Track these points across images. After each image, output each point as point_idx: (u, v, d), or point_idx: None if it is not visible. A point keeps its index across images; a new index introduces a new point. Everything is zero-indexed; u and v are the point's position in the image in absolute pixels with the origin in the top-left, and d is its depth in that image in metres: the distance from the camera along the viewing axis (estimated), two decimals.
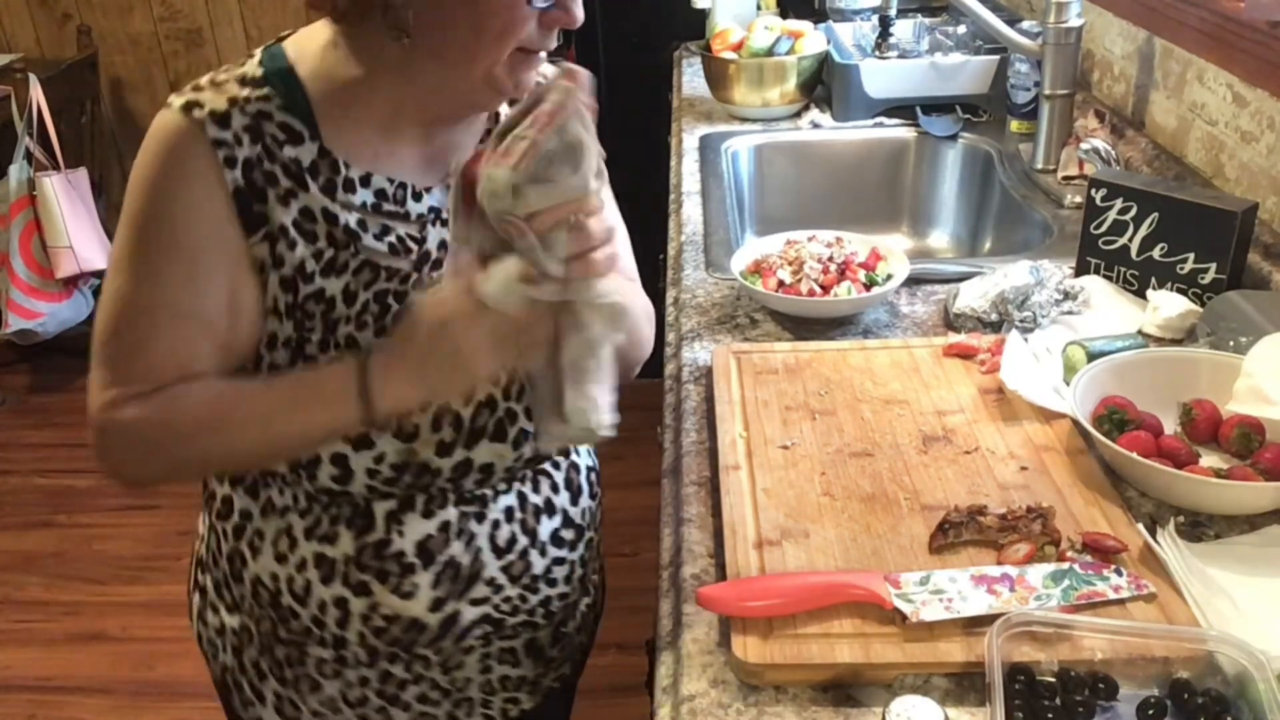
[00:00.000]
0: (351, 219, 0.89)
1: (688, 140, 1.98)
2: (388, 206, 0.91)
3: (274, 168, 0.86)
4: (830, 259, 1.31)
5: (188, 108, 0.84)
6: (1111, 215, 1.28)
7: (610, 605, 1.22)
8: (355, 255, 0.89)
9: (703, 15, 2.35)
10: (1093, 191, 1.28)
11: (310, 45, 0.90)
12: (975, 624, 0.80)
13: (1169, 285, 1.24)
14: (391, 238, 0.91)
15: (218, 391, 0.89)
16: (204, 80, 0.87)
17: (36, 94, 2.99)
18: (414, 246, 0.92)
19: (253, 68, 0.88)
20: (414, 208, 0.93)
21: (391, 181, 0.91)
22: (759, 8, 2.31)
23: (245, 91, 0.86)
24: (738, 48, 2.02)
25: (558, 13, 0.86)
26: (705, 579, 0.89)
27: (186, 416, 0.88)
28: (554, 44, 0.88)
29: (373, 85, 0.89)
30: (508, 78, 0.87)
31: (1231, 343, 1.09)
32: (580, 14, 0.87)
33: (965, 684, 0.77)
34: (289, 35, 0.92)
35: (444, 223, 0.94)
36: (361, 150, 0.90)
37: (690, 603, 0.86)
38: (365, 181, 0.90)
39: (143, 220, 0.86)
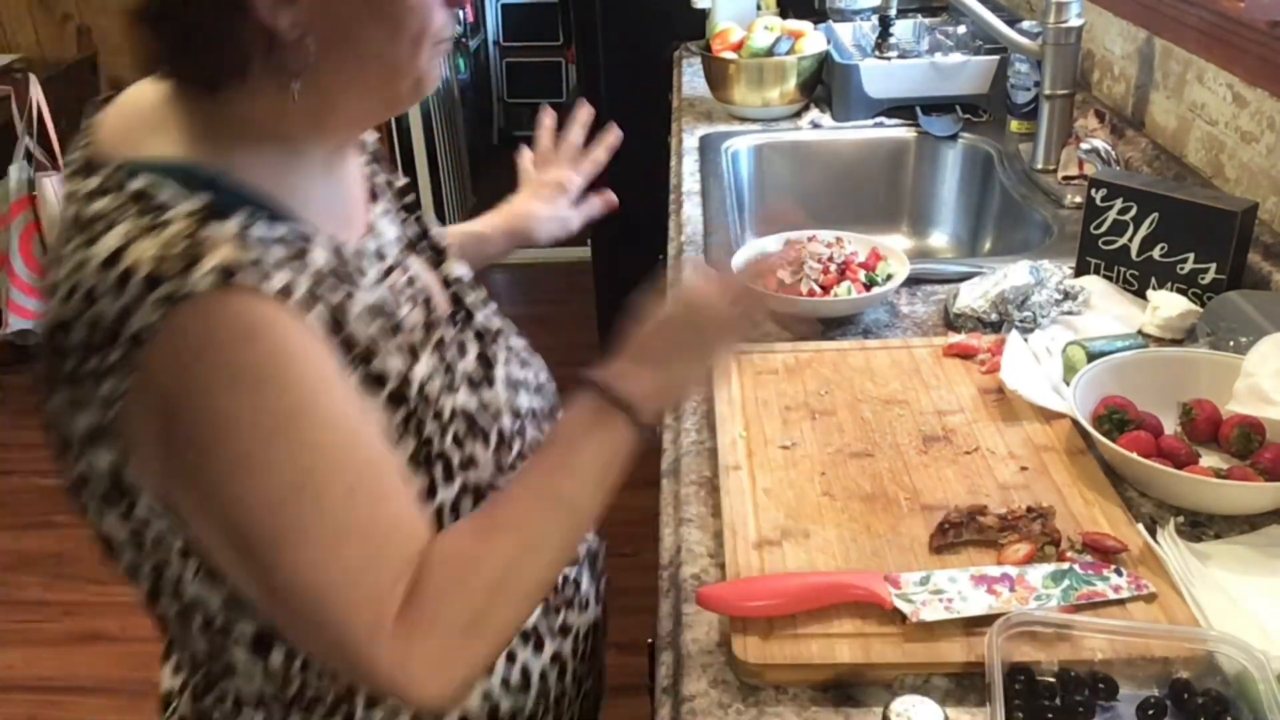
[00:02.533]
0: (385, 294, 0.78)
1: (688, 140, 1.98)
2: (387, 263, 0.81)
3: (323, 282, 0.71)
4: (830, 259, 1.31)
5: (222, 277, 0.63)
6: (1111, 215, 1.28)
7: (610, 605, 1.22)
8: (409, 330, 0.79)
9: (703, 15, 2.35)
10: (1093, 191, 1.28)
11: (193, 143, 0.71)
12: (975, 624, 0.80)
13: (1169, 285, 1.24)
14: (406, 290, 0.82)
15: (487, 516, 0.76)
16: (169, 250, 0.64)
17: (36, 94, 3.00)
18: (420, 295, 0.83)
19: (191, 207, 0.66)
20: (391, 250, 0.83)
21: (369, 230, 0.82)
22: (759, 8, 2.31)
23: (235, 224, 0.67)
24: (738, 48, 2.02)
25: None
26: (705, 579, 0.89)
27: (493, 563, 0.72)
28: (454, 30, 0.79)
29: (296, 148, 0.75)
30: (433, 73, 0.76)
31: (1231, 343, 1.09)
32: None
33: (965, 684, 0.77)
34: (119, 128, 0.73)
35: (413, 248, 0.89)
36: (333, 222, 0.77)
37: (690, 603, 0.86)
38: (360, 254, 0.78)
39: (274, 421, 0.66)
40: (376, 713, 0.82)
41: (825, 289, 1.27)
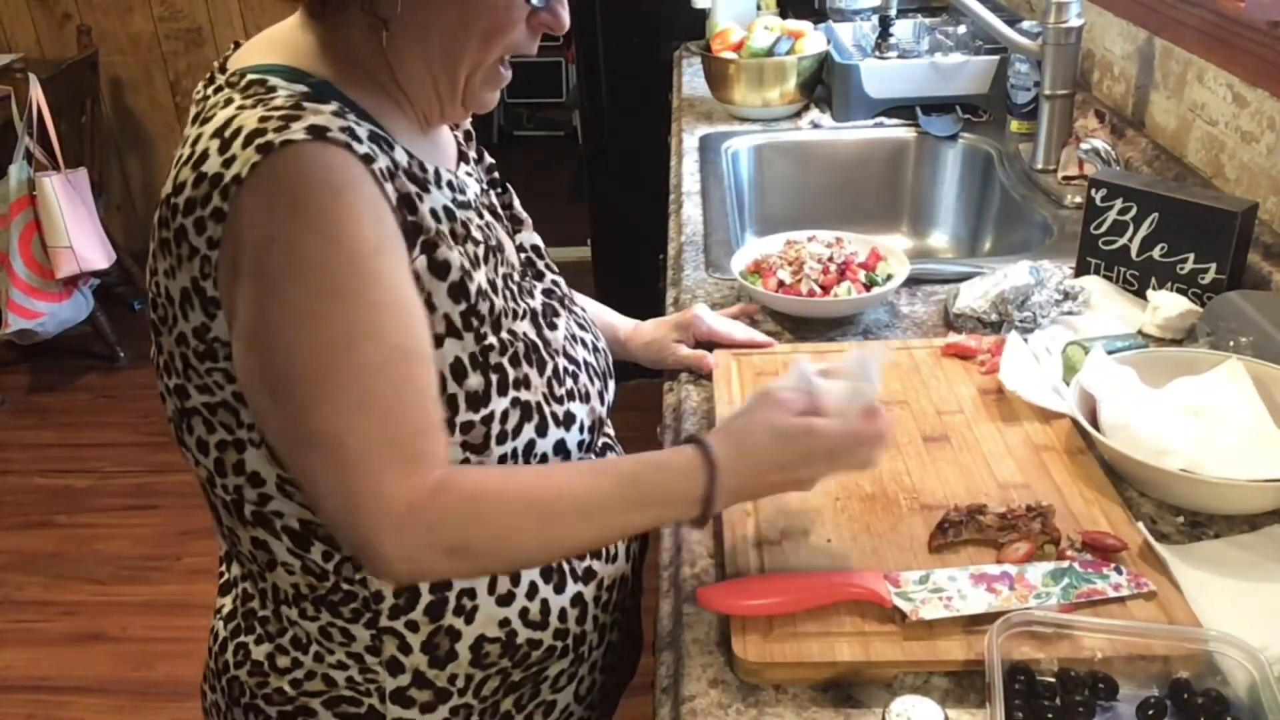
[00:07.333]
0: (458, 211, 0.85)
1: (688, 140, 1.98)
2: (460, 198, 0.87)
3: (399, 173, 0.79)
4: (830, 259, 1.31)
5: (316, 133, 0.72)
6: (1111, 215, 1.28)
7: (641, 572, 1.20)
8: (476, 244, 0.85)
9: (703, 15, 2.35)
10: (1093, 191, 1.28)
11: (301, 58, 0.81)
12: (975, 623, 0.80)
13: (1169, 285, 1.24)
14: (476, 220, 0.88)
15: (534, 472, 0.83)
16: (273, 113, 0.73)
17: (36, 94, 2.99)
18: (491, 239, 0.89)
19: (292, 90, 0.77)
20: (469, 193, 0.90)
21: (446, 170, 0.89)
22: (759, 8, 2.31)
23: (331, 107, 0.76)
24: (738, 48, 2.02)
25: (547, 15, 0.83)
26: (705, 579, 0.89)
27: (512, 498, 0.79)
28: (534, 49, 0.85)
29: (382, 86, 0.83)
30: (481, 89, 0.84)
31: (1231, 343, 1.08)
32: (567, 20, 0.84)
33: (965, 683, 0.77)
34: (243, 52, 0.84)
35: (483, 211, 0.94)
36: (417, 151, 0.85)
37: (690, 603, 0.86)
38: (437, 176, 0.85)
39: (338, 274, 0.72)
40: (400, 621, 0.86)
41: (825, 289, 1.27)
